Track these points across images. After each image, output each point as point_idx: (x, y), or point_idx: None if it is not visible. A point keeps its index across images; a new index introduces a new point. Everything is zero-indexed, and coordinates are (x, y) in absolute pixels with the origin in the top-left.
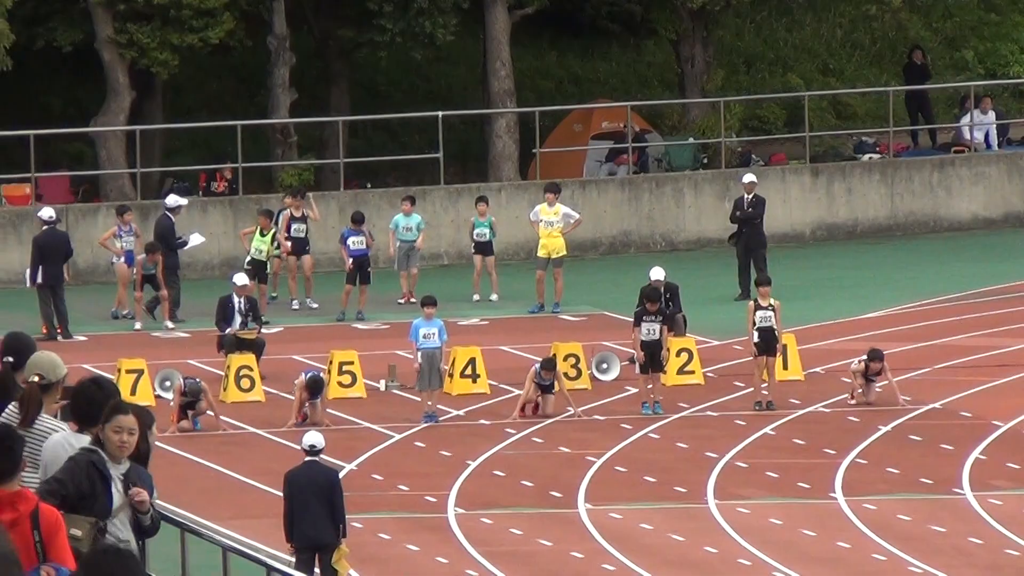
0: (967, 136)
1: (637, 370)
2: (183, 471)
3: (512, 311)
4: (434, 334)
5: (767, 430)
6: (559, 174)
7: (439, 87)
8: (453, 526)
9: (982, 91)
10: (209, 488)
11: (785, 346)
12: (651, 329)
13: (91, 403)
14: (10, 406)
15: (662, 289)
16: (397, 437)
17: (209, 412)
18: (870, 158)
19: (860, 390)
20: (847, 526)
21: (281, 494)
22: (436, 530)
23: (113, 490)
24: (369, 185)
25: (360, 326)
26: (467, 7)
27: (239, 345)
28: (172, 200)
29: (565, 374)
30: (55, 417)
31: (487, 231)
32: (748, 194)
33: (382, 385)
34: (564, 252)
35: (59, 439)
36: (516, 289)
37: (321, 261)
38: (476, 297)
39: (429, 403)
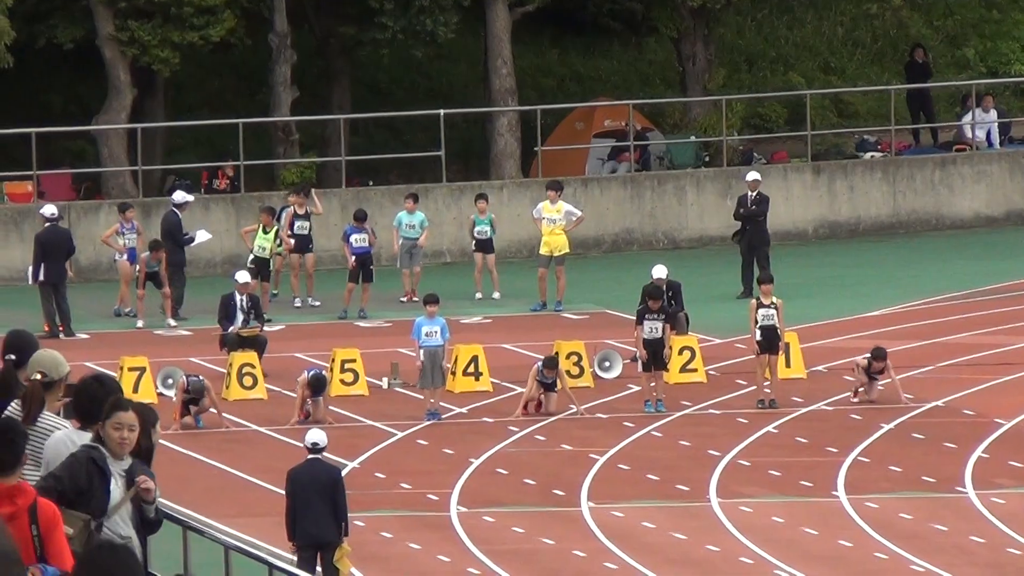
0: (969, 134)
1: (639, 368)
2: (185, 469)
3: (514, 309)
4: (436, 332)
5: (769, 428)
6: (561, 172)
7: (440, 85)
8: (455, 524)
9: (984, 89)
10: (211, 486)
11: (787, 344)
12: (653, 327)
13: (93, 400)
14: (12, 404)
15: (664, 287)
16: (399, 435)
17: (212, 409)
18: (872, 156)
19: (863, 388)
20: (849, 524)
21: (283, 492)
22: (438, 528)
23: (113, 486)
24: (371, 183)
25: (362, 324)
26: (468, 5)
27: (241, 343)
28: (179, 196)
29: (568, 372)
30: (58, 415)
31: (488, 229)
32: (752, 192)
33: (384, 383)
34: (566, 250)
35: (61, 436)
36: (518, 287)
37: (323, 259)
38: (478, 295)
39: (432, 401)
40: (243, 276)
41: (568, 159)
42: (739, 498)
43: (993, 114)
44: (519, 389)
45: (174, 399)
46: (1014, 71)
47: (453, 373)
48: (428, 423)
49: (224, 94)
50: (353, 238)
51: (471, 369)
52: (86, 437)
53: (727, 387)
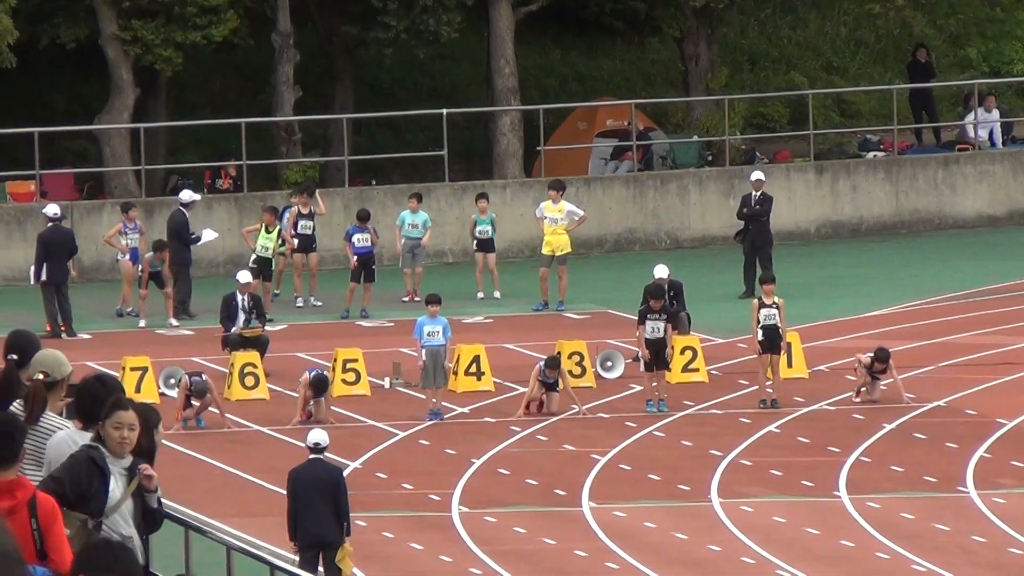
0: (971, 134)
1: (642, 368)
2: (187, 469)
3: (516, 309)
4: (438, 332)
5: (771, 428)
6: (563, 172)
7: (443, 84)
8: (457, 524)
9: (986, 89)
10: (213, 486)
11: (789, 344)
12: (655, 327)
13: (95, 400)
14: (15, 404)
15: (666, 287)
16: (401, 435)
17: (213, 409)
18: (874, 156)
19: (865, 387)
20: (851, 524)
21: (285, 492)
22: (440, 528)
23: (113, 485)
24: (374, 182)
25: (364, 324)
26: (471, 4)
27: (243, 343)
28: (187, 195)
29: (569, 372)
30: (60, 415)
31: (489, 228)
32: (756, 191)
33: (386, 383)
34: (568, 249)
35: (63, 436)
36: (520, 287)
37: (326, 258)
38: (480, 295)
39: (434, 401)
40: (245, 276)
41: (571, 159)
42: (741, 498)
43: (996, 114)
44: (521, 389)
45: (176, 398)
46: (1017, 71)
47: (455, 373)
48: (430, 423)
49: (227, 94)
50: (355, 238)
51: (473, 369)
52: (88, 437)
53: (729, 387)
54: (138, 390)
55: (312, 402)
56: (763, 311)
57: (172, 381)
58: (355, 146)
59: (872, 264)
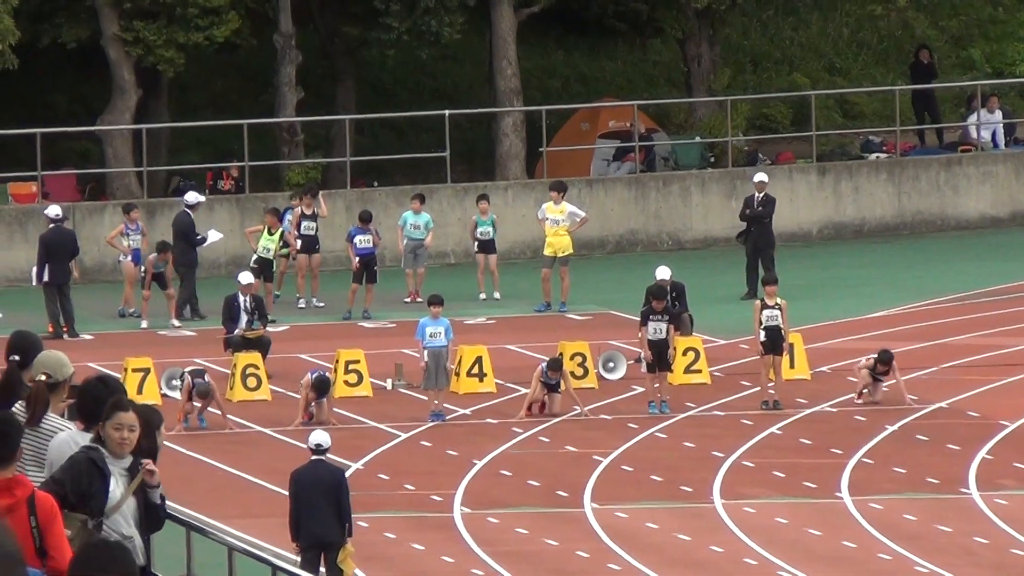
0: (974, 135)
1: (644, 369)
2: (189, 470)
3: (518, 310)
4: (440, 333)
5: (773, 429)
6: (566, 173)
7: (445, 86)
8: (459, 525)
9: (989, 90)
10: (215, 487)
11: (792, 345)
12: (658, 328)
13: (97, 401)
14: (17, 405)
15: (668, 288)
16: (403, 436)
17: (215, 410)
18: (877, 157)
19: (867, 389)
20: (853, 525)
21: (287, 493)
22: (442, 529)
23: (113, 485)
24: (376, 183)
25: (366, 325)
26: (473, 5)
27: (245, 344)
28: (192, 197)
29: (572, 373)
30: (62, 416)
31: (490, 229)
32: (759, 193)
33: (388, 384)
34: (570, 251)
35: (65, 437)
36: (522, 288)
37: (328, 260)
38: (482, 296)
39: (436, 402)
40: (246, 277)
41: (573, 160)
42: (743, 499)
43: (998, 115)
44: (523, 390)
45: (180, 398)
46: (1019, 72)
47: (457, 374)
48: (432, 424)
49: (229, 94)
50: (357, 239)
51: (475, 370)
52: (89, 438)
53: (731, 388)
54: (140, 391)
55: (314, 403)
56: (765, 312)
57: (174, 382)
58: (357, 147)
59: (874, 265)
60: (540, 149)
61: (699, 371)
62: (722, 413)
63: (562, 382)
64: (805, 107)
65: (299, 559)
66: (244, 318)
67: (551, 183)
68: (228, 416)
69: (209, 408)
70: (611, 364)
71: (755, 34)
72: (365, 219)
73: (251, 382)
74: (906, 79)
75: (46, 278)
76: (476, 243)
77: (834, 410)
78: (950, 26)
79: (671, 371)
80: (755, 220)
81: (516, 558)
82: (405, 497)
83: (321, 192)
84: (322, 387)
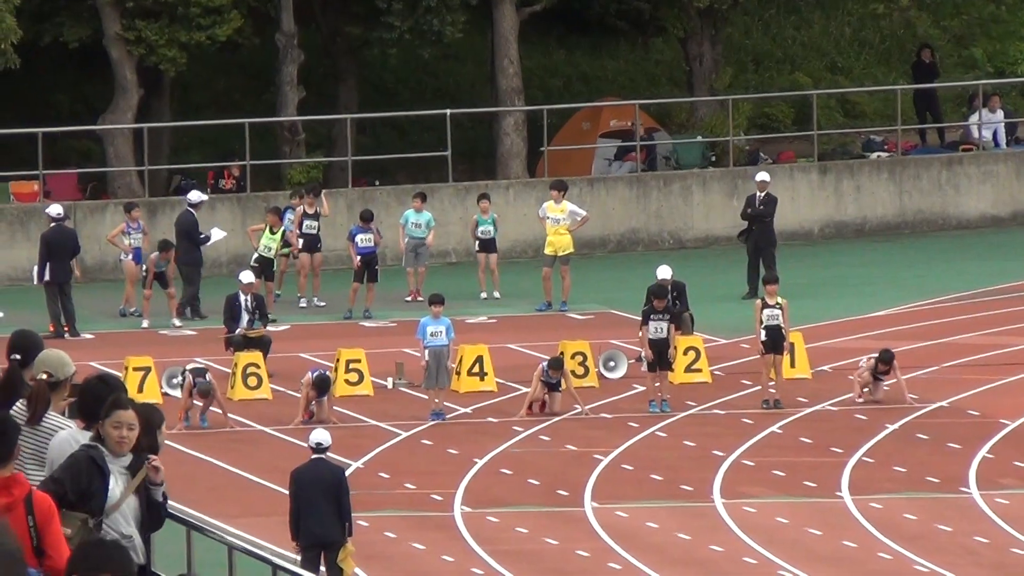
0: (975, 134)
1: (644, 368)
2: (190, 469)
3: (519, 309)
4: (441, 332)
5: (774, 428)
6: (567, 172)
7: (447, 85)
8: (459, 524)
9: (990, 89)
10: (215, 486)
11: (792, 344)
12: (659, 327)
13: (97, 400)
14: (18, 403)
15: (669, 287)
16: (404, 435)
17: (216, 409)
18: (878, 156)
19: (867, 388)
20: (853, 525)
21: (287, 492)
22: (442, 528)
23: (112, 484)
24: (377, 183)
25: (367, 324)
26: (475, 4)
27: (246, 343)
28: (195, 196)
29: (572, 372)
30: (63, 415)
31: (491, 228)
32: (761, 192)
33: (389, 383)
34: (571, 250)
35: (66, 436)
36: (523, 287)
37: (329, 259)
38: (483, 295)
39: (436, 401)
40: (247, 276)
41: (574, 159)
42: (743, 498)
43: (1000, 114)
44: (524, 389)
45: (180, 397)
46: (1021, 71)
47: (458, 373)
48: (432, 423)
49: (231, 94)
50: (358, 238)
51: (476, 369)
52: (89, 437)
53: (732, 387)
54: (141, 390)
55: (315, 402)
56: (766, 311)
57: (175, 380)
58: (359, 146)
59: (875, 264)
60: (541, 148)
61: (700, 370)
62: (723, 412)
63: (563, 381)
64: (807, 106)
65: (299, 558)
66: (245, 317)
67: (551, 182)
68: (229, 415)
69: (212, 408)
70: (612, 363)
71: (757, 33)
72: (366, 218)
73: (252, 381)
74: (908, 78)
75: (47, 277)
76: (477, 242)
77: (835, 409)
78: (952, 25)
79: (672, 370)
80: (756, 219)
81: (516, 557)
82: (405, 496)
83: (323, 192)
84: (322, 386)
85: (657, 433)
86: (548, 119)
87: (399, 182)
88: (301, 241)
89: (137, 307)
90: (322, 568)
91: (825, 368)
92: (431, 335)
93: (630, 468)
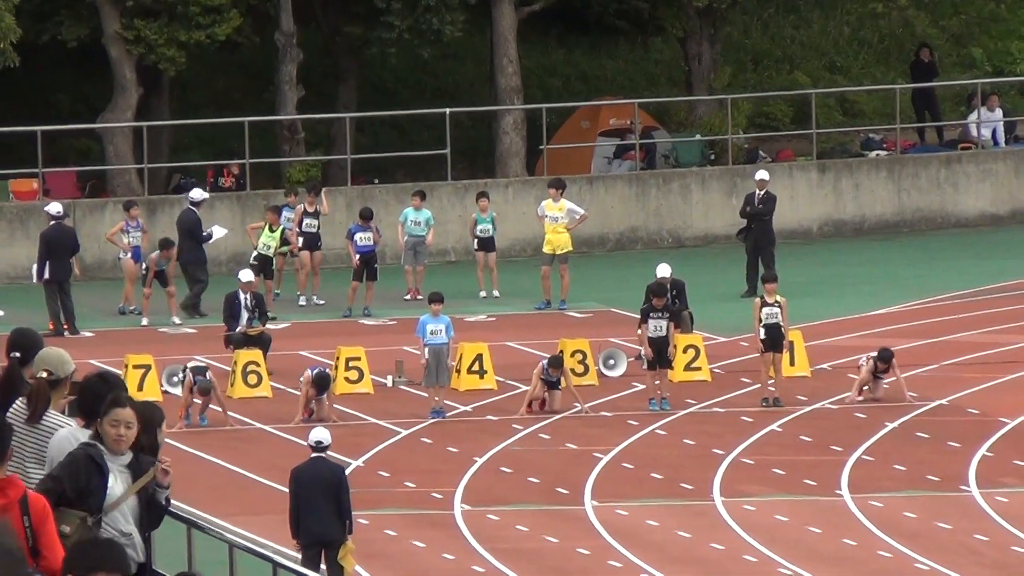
0: (974, 133)
1: (644, 366)
2: (190, 467)
3: (519, 307)
4: (441, 330)
5: (774, 427)
6: (566, 171)
7: (446, 84)
8: (459, 522)
9: (989, 88)
10: (216, 484)
11: (792, 343)
12: (658, 326)
13: (97, 398)
14: (18, 402)
15: (668, 285)
16: (404, 433)
17: (216, 407)
18: (877, 155)
19: (867, 386)
20: (853, 523)
21: (287, 490)
22: (442, 526)
23: (112, 482)
24: (377, 181)
25: (367, 322)
26: (474, 3)
27: (246, 341)
28: (197, 194)
29: (572, 370)
30: (62, 413)
31: (489, 227)
32: (760, 191)
33: (389, 381)
34: (570, 248)
35: (65, 434)
36: (522, 285)
37: (328, 257)
38: (482, 293)
39: (436, 399)
40: (247, 275)
41: (573, 158)
42: (743, 496)
43: (998, 113)
44: (523, 387)
45: (180, 394)
46: (1020, 70)
47: (458, 371)
48: (432, 421)
49: (230, 93)
50: (357, 236)
51: (476, 367)
52: (89, 435)
53: (731, 385)
54: (141, 388)
55: (314, 400)
56: (765, 310)
57: (175, 378)
58: (359, 145)
59: (874, 263)
60: (540, 147)
61: (699, 368)
62: (722, 410)
63: (563, 379)
64: (806, 105)
65: (300, 556)
66: (245, 315)
67: (550, 180)
68: (229, 413)
69: (212, 406)
70: (611, 361)
71: (756, 32)
72: (366, 216)
73: (252, 379)
74: (906, 77)
75: (47, 275)
76: (476, 241)
77: (834, 407)
78: (951, 24)
79: (671, 368)
80: (756, 218)
81: (516, 555)
82: (405, 494)
83: (323, 190)
84: (322, 384)
85: (657, 431)
86: (547, 118)
87: (398, 181)
88: (301, 239)
89: (136, 305)
90: (322, 566)
91: (824, 366)
92: (431, 333)
93: (630, 466)
